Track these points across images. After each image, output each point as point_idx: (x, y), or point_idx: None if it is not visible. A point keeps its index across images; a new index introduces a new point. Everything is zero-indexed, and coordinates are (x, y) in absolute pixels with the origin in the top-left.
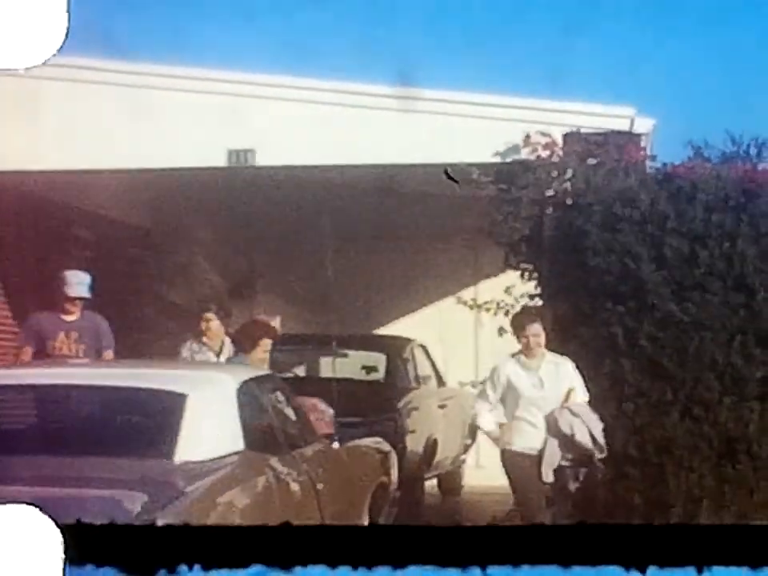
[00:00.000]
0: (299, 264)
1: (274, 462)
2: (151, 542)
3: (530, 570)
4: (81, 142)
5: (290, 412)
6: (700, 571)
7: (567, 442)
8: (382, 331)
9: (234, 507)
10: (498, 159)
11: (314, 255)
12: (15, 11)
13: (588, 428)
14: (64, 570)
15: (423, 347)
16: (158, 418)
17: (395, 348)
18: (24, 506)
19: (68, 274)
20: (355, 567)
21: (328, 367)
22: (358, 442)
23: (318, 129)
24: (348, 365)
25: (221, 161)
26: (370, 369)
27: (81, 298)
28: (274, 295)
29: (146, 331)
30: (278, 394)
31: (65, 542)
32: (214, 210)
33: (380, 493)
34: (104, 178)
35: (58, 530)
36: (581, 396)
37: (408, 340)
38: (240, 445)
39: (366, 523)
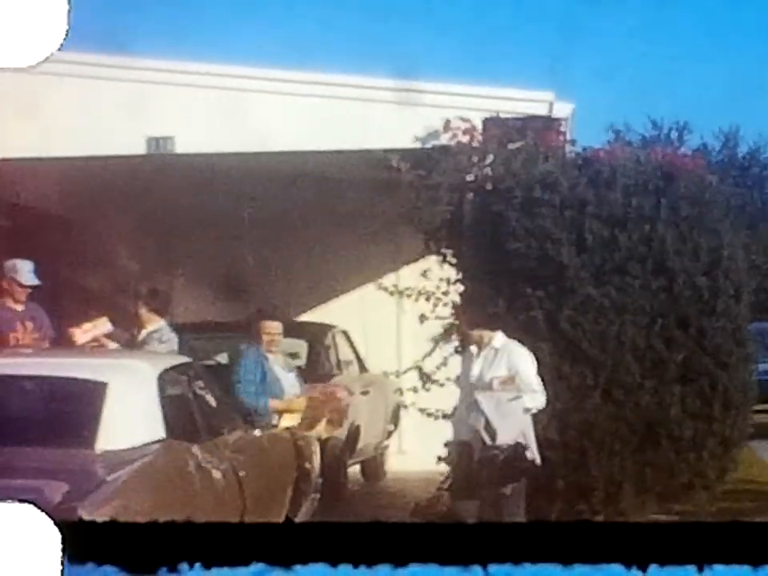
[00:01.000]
0: (219, 251)
1: (195, 449)
2: (152, 539)
3: (531, 568)
4: None
5: (211, 399)
6: (701, 569)
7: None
8: (304, 318)
9: (155, 495)
10: (417, 145)
11: (233, 242)
12: (14, 10)
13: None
14: (63, 568)
15: (345, 333)
16: (78, 406)
17: (317, 334)
18: (21, 503)
19: (17, 263)
20: (356, 565)
21: None
22: (282, 429)
23: (235, 116)
24: None
25: (140, 148)
26: (292, 355)
27: (33, 287)
28: (194, 283)
29: (66, 319)
30: (199, 381)
31: (65, 540)
32: (133, 197)
33: (303, 479)
34: (21, 167)
35: (56, 528)
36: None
37: (329, 326)
38: (161, 433)
39: (285, 511)
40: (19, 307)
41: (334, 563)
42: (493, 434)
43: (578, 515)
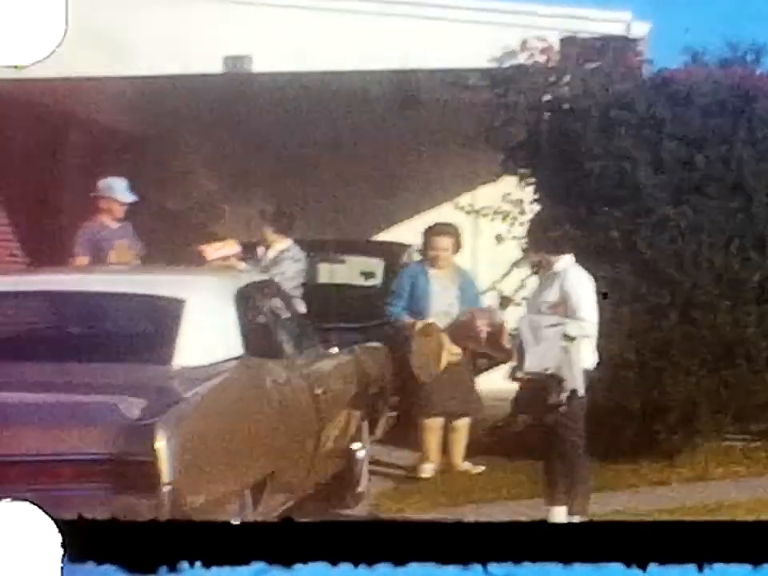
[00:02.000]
0: (296, 171)
1: (272, 366)
2: (152, 538)
3: (531, 567)
4: (76, 49)
5: (288, 317)
6: (701, 569)
7: None
8: (380, 237)
9: (232, 412)
10: (494, 65)
11: (310, 162)
12: (14, 8)
13: None
14: (62, 566)
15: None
16: (156, 323)
17: (393, 254)
18: (22, 503)
19: (111, 181)
20: (356, 564)
21: (326, 273)
22: (356, 347)
23: (313, 35)
24: (346, 271)
25: (217, 67)
26: (367, 275)
27: (129, 203)
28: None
29: (144, 239)
30: (277, 299)
31: (66, 539)
32: (210, 116)
33: (378, 398)
34: (100, 85)
35: (56, 528)
36: None
37: (406, 246)
38: (239, 350)
39: (365, 428)
40: (115, 225)
41: (333, 562)
42: (521, 359)
43: (655, 435)
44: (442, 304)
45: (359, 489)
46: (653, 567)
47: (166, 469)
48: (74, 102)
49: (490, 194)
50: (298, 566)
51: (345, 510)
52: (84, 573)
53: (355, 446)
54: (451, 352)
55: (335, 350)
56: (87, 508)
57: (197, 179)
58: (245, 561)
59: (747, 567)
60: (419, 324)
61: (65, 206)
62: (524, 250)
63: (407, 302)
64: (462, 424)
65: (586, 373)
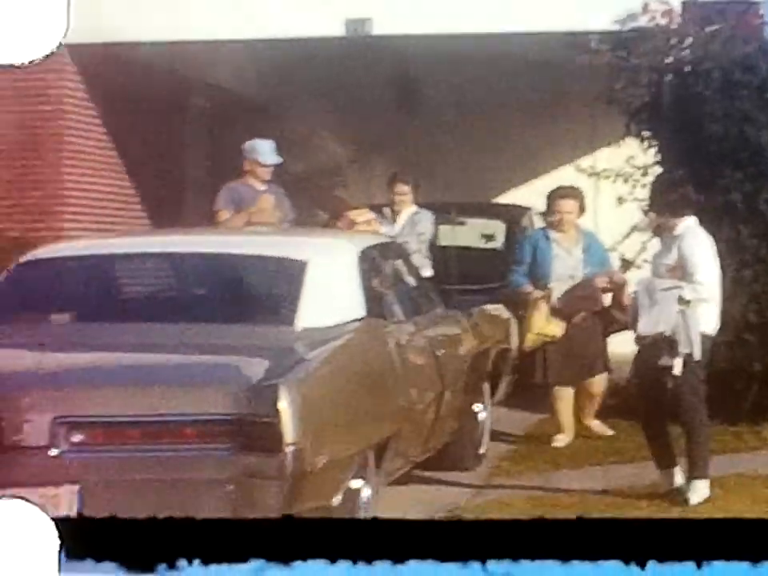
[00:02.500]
0: (417, 134)
1: (395, 328)
2: (151, 536)
3: (529, 565)
4: (197, 12)
5: (410, 279)
6: (699, 566)
7: None
8: (501, 200)
9: (354, 373)
10: (616, 27)
11: (431, 125)
12: (15, 6)
13: None
14: (59, 564)
15: (542, 215)
16: (279, 285)
17: (514, 216)
18: (19, 500)
19: (257, 142)
20: (355, 562)
21: (447, 235)
22: (477, 309)
23: None
24: (467, 233)
25: (338, 30)
26: (488, 237)
27: (274, 165)
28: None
29: None
30: (400, 260)
31: (64, 537)
32: (332, 80)
33: (500, 360)
34: (221, 48)
35: (53, 525)
36: None
37: (526, 208)
38: (361, 311)
39: (487, 390)
40: (261, 186)
41: (332, 559)
42: (636, 321)
43: None
44: (565, 268)
45: (480, 450)
46: (652, 565)
47: (289, 429)
48: (195, 65)
49: (611, 156)
50: (297, 564)
51: (464, 472)
52: (83, 570)
53: (477, 407)
54: (552, 329)
55: (457, 311)
56: (211, 469)
57: (319, 143)
58: (243, 558)
59: (746, 565)
60: (534, 294)
61: (187, 168)
62: (645, 213)
63: (529, 268)
64: (596, 382)
65: (706, 337)
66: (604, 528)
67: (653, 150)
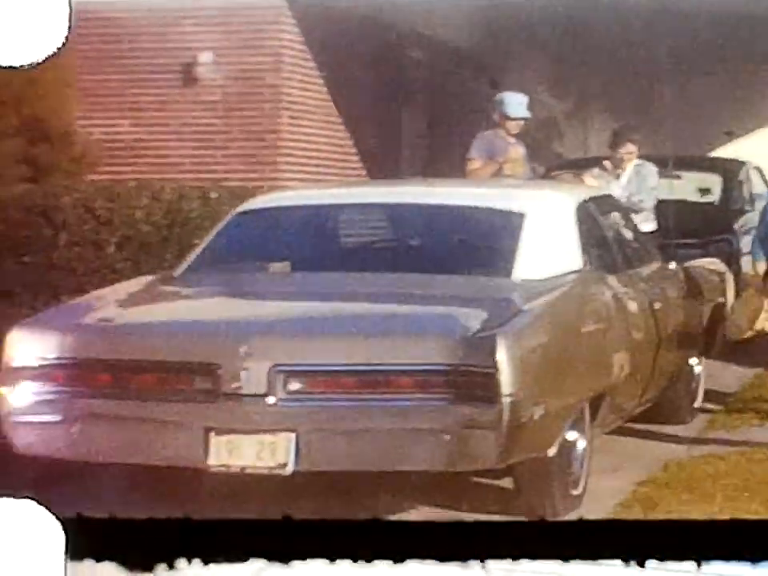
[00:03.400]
0: (635, 87)
1: (611, 280)
2: (151, 536)
3: (529, 565)
4: None
5: (627, 232)
6: (699, 565)
7: None
8: (717, 153)
9: (572, 325)
10: None
11: (649, 78)
12: (17, 8)
13: None
14: (65, 563)
15: (758, 169)
16: (496, 236)
17: (730, 170)
18: (26, 500)
19: (505, 95)
20: (355, 561)
21: (663, 189)
22: (693, 262)
23: None
24: (683, 186)
25: None
26: (704, 191)
27: (522, 119)
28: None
29: None
30: (616, 214)
31: (65, 537)
32: (549, 34)
33: (717, 313)
34: (438, 2)
35: (59, 524)
36: None
37: (743, 162)
38: (578, 263)
39: (701, 342)
40: (510, 140)
41: (332, 559)
42: None
43: None
44: None
45: (695, 404)
46: (651, 564)
47: (506, 380)
48: (411, 18)
49: None
50: (297, 564)
51: (679, 425)
52: (83, 570)
53: (692, 361)
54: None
55: (674, 264)
56: (427, 419)
57: (537, 96)
58: (243, 558)
59: (746, 565)
60: (752, 272)
61: (403, 121)
62: None
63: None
64: None
65: None
66: (604, 528)
67: None
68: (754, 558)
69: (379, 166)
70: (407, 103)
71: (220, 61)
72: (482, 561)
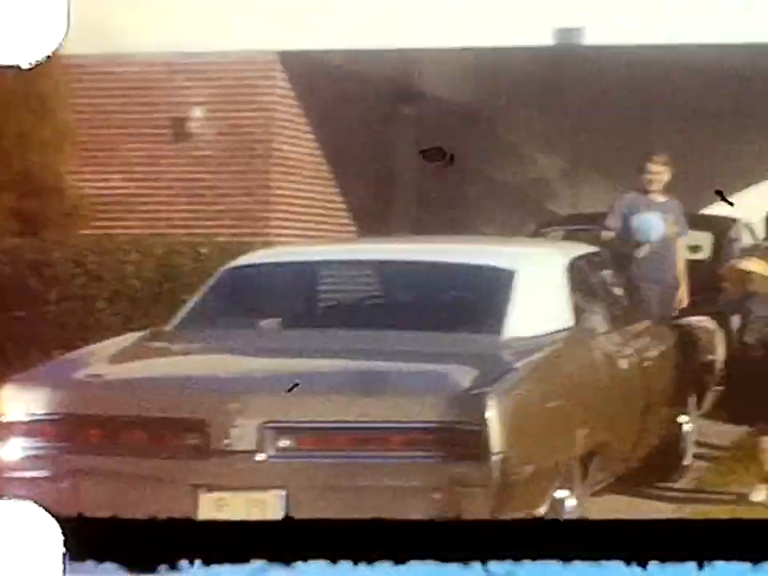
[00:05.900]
0: (630, 147)
1: (602, 338)
2: (152, 537)
3: (531, 566)
4: (404, 20)
5: (618, 290)
6: (701, 566)
7: None
8: (708, 211)
9: (562, 383)
10: None
11: (643, 136)
12: (16, 7)
13: None
14: (64, 565)
15: (749, 226)
16: (486, 293)
17: (722, 227)
18: (24, 501)
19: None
20: (356, 562)
21: None
22: (684, 320)
23: (648, 6)
24: None
25: (547, 39)
26: (695, 248)
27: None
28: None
29: (471, 209)
30: (607, 271)
31: (65, 538)
32: (540, 89)
33: (706, 371)
34: (430, 57)
35: (58, 526)
36: None
37: (734, 219)
38: (569, 321)
39: (693, 402)
40: (660, 198)
41: (333, 560)
42: None
43: None
44: None
45: (684, 462)
46: (653, 565)
47: (496, 438)
48: (405, 74)
49: None
50: (298, 565)
51: (668, 484)
52: (84, 571)
53: (682, 419)
54: None
55: (663, 322)
56: (417, 476)
57: (528, 153)
58: (245, 559)
59: (747, 565)
60: None
61: (394, 177)
62: None
63: None
64: None
65: None
66: (606, 528)
67: None
68: (756, 558)
69: (370, 222)
70: (398, 159)
71: (212, 116)
72: (483, 561)
